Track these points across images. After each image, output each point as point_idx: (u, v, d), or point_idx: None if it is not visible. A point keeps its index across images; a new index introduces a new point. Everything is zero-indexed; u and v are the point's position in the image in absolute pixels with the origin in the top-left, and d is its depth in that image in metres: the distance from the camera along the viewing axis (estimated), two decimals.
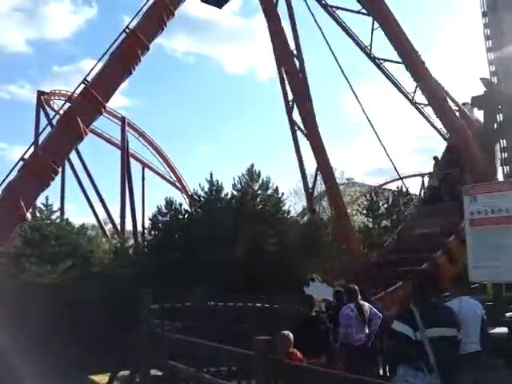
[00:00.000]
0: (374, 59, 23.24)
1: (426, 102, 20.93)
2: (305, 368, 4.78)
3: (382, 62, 23.23)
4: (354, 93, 21.44)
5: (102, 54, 9.53)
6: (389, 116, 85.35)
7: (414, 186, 43.69)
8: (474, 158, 17.41)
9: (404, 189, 32.14)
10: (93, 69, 9.75)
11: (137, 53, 8.79)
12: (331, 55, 21.99)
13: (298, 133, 21.84)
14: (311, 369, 4.61)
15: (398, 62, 21.75)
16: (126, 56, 8.83)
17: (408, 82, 23.76)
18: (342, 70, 21.48)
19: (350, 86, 21.51)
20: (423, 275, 5.10)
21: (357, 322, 7.20)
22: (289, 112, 22.03)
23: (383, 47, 21.34)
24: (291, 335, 6.01)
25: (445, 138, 23.42)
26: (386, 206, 30.99)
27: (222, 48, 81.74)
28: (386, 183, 43.35)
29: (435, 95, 17.55)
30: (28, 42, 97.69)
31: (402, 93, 23.72)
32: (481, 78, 12.35)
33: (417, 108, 23.80)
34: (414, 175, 47.60)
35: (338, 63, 21.13)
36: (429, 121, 24.41)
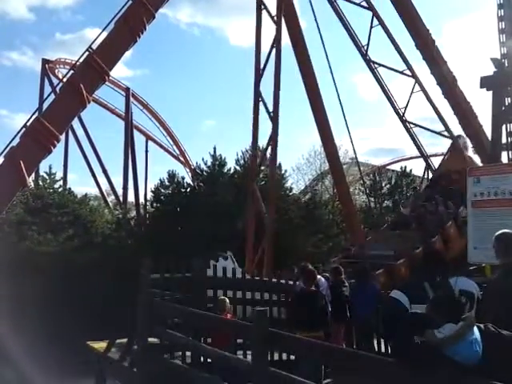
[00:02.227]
0: (368, 62, 21.66)
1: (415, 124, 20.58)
2: (299, 339, 4.83)
3: (376, 66, 21.75)
4: (336, 87, 19.73)
5: (107, 22, 9.35)
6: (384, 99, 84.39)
7: (418, 168, 43.63)
8: (481, 144, 17.29)
9: (407, 170, 32.04)
10: (98, 37, 9.57)
11: (142, 20, 8.64)
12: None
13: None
14: (306, 340, 4.66)
15: (395, 70, 20.90)
16: (131, 23, 8.68)
17: (400, 96, 22.77)
18: (330, 67, 19.89)
19: (334, 81, 19.78)
20: (434, 253, 5.11)
21: None
22: (257, 83, 20.81)
23: (380, 48, 20.06)
24: (227, 300, 6.74)
25: (430, 168, 22.81)
26: (388, 186, 30.96)
27: (228, 20, 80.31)
28: (390, 164, 43.20)
29: (445, 76, 17.34)
30: (30, 8, 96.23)
31: (392, 105, 22.26)
32: (491, 59, 12.17)
33: (405, 127, 22.85)
34: (417, 156, 47.42)
35: (325, 51, 19.54)
36: (416, 143, 23.67)
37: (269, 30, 20.09)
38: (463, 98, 17.78)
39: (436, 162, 27.41)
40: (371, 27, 20.03)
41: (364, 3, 20.21)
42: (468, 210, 8.40)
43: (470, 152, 18.98)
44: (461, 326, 3.22)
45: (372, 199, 31.10)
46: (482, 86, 11.15)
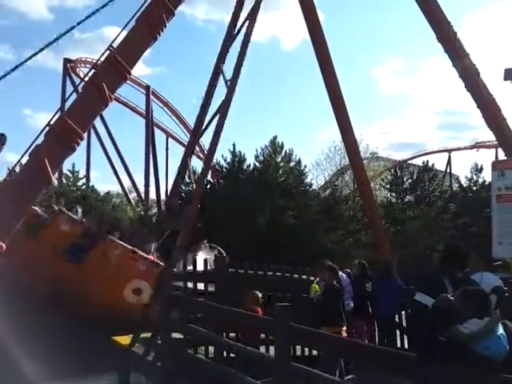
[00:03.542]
0: None
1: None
2: (322, 334, 4.84)
3: None
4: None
5: (125, 20, 9.44)
6: (406, 92, 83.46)
7: (440, 162, 43.05)
8: (505, 137, 16.92)
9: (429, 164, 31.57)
10: (118, 36, 9.68)
11: (162, 18, 8.70)
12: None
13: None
14: (328, 335, 4.66)
15: None
16: (151, 21, 8.75)
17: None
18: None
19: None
20: (455, 249, 5.04)
21: None
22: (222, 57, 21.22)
23: None
24: (259, 294, 6.56)
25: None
26: (410, 181, 30.55)
27: (244, 16, 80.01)
28: (411, 158, 42.69)
29: (467, 69, 17.02)
30: (50, 8, 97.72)
31: None
32: None
33: None
34: (439, 151, 46.80)
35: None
36: None
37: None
38: (486, 91, 17.42)
39: (458, 156, 26.96)
40: None
41: None
42: (492, 204, 8.24)
43: None
44: (489, 320, 3.18)
45: (393, 194, 30.76)
46: (505, 79, 10.87)
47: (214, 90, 23.43)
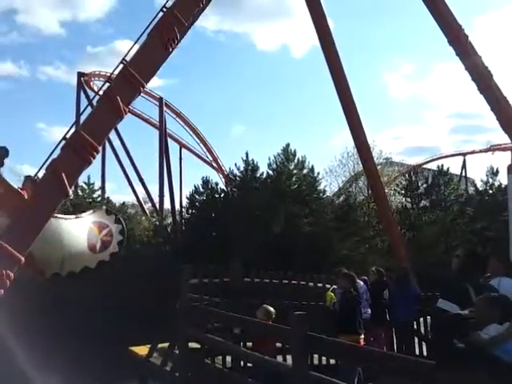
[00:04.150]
0: None
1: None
2: (340, 343, 4.82)
3: None
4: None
5: (138, 33, 9.56)
6: (418, 96, 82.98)
7: (455, 166, 42.62)
8: None
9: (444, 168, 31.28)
10: (131, 49, 9.81)
11: (174, 30, 8.82)
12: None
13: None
14: (345, 344, 4.65)
15: None
16: (163, 34, 8.87)
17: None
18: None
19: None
20: (474, 254, 5.02)
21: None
22: None
23: None
24: (272, 309, 6.26)
25: None
26: (425, 185, 30.28)
27: (254, 26, 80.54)
28: (426, 163, 42.32)
29: (480, 71, 16.90)
30: (61, 23, 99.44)
31: None
32: None
33: None
34: (453, 154, 46.38)
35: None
36: None
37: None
38: (500, 93, 17.27)
39: (473, 159, 26.66)
40: None
41: None
42: (509, 207, 8.17)
43: None
44: (509, 324, 3.17)
45: (408, 199, 30.51)
46: None
47: None
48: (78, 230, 7.20)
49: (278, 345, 6.75)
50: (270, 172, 28.96)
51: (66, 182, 7.18)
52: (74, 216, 7.29)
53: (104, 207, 10.74)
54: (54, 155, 8.22)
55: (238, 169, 29.27)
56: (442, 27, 17.19)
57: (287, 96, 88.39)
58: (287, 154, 29.17)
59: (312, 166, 29.63)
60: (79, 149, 7.55)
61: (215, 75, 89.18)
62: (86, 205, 25.01)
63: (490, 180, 29.56)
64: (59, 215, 7.08)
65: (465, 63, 17.17)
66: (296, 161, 29.27)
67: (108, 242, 7.31)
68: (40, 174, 8.03)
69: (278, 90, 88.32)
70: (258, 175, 28.95)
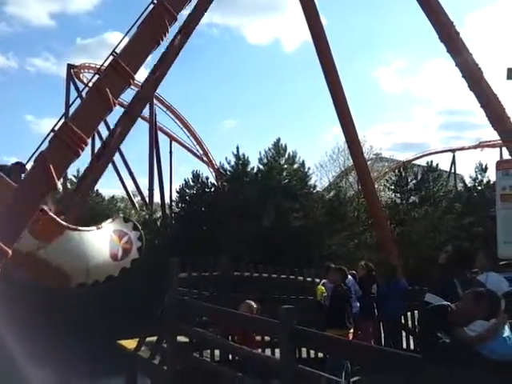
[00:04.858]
0: None
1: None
2: (327, 337, 4.84)
3: None
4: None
5: (129, 25, 9.44)
6: (409, 92, 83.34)
7: (444, 162, 42.92)
8: (510, 137, 16.87)
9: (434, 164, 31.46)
10: (121, 41, 9.71)
11: (165, 23, 8.73)
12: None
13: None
14: (332, 338, 4.67)
15: None
16: (153, 26, 8.78)
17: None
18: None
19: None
20: (462, 250, 5.08)
21: None
22: None
23: None
24: (255, 304, 6.35)
25: None
26: (414, 181, 30.44)
27: (246, 19, 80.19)
28: (415, 158, 42.59)
29: (470, 69, 16.99)
30: (51, 15, 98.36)
31: None
32: None
33: None
34: (443, 151, 46.70)
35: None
36: None
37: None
38: (490, 90, 17.39)
39: (462, 155, 26.86)
40: None
41: None
42: (497, 203, 8.24)
43: None
44: (495, 322, 3.18)
45: (398, 195, 30.66)
46: (508, 78, 10.88)
47: None
48: (100, 241, 7.39)
49: (267, 338, 6.78)
50: (261, 166, 28.93)
51: (53, 174, 7.08)
52: (95, 227, 7.40)
53: (121, 215, 10.90)
54: (43, 148, 8.14)
55: (229, 163, 29.21)
56: (433, 24, 17.25)
57: (278, 90, 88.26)
58: (278, 148, 29.15)
59: (303, 161, 29.66)
60: (67, 141, 7.46)
61: (207, 68, 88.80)
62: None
63: (479, 176, 29.77)
64: (81, 228, 7.25)
65: (455, 60, 17.25)
66: (287, 155, 29.26)
67: (128, 250, 7.48)
68: (28, 167, 7.95)
69: (270, 84, 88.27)
70: (249, 170, 28.90)
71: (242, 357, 5.99)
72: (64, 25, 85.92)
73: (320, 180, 34.18)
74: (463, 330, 3.18)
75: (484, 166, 29.83)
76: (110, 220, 7.86)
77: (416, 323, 8.14)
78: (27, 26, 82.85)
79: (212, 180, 31.48)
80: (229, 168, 29.11)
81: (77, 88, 33.16)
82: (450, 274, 4.31)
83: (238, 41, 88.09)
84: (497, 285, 5.53)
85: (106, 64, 9.17)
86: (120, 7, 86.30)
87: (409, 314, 8.55)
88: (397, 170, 32.33)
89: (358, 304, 7.85)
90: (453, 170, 45.10)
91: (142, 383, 8.90)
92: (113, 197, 32.24)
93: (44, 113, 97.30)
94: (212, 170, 39.39)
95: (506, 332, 3.19)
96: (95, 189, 30.72)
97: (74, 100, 20.07)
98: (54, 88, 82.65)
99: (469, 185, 31.11)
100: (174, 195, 34.68)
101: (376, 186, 25.99)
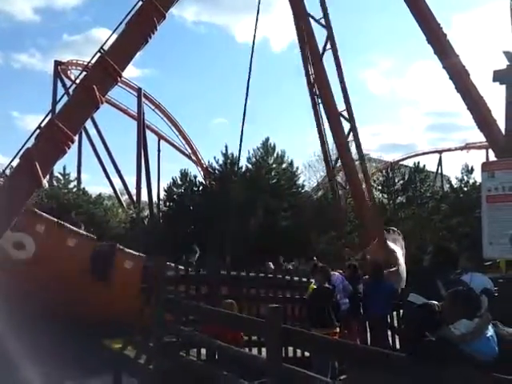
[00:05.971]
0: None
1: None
2: (313, 336, 4.85)
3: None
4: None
5: (116, 22, 9.44)
6: (396, 93, 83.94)
7: (431, 163, 43.29)
8: (496, 139, 17.05)
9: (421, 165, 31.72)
10: (109, 38, 9.67)
11: (153, 21, 8.70)
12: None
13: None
14: (318, 337, 4.68)
15: None
16: (142, 24, 8.74)
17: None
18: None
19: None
20: (445, 250, 5.09)
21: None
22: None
23: None
24: (235, 304, 6.52)
25: None
26: (401, 182, 30.68)
27: (234, 18, 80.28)
28: (403, 159, 42.90)
29: (457, 70, 17.15)
30: (36, 10, 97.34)
31: None
32: (504, 52, 11.95)
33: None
34: (430, 152, 47.13)
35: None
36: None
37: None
38: (476, 92, 17.57)
39: (448, 156, 27.09)
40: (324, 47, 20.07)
41: (322, 21, 20.22)
42: (482, 205, 8.32)
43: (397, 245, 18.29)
44: (478, 322, 3.21)
45: (385, 195, 30.88)
46: (494, 80, 10.98)
47: None
48: None
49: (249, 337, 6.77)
50: (250, 166, 28.94)
51: (39, 171, 7.05)
52: None
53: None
54: (29, 144, 8.08)
55: (217, 162, 29.18)
56: (421, 25, 17.39)
57: (267, 90, 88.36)
58: (266, 148, 29.20)
59: (291, 161, 29.76)
60: (54, 138, 7.43)
61: (195, 67, 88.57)
62: (62, 195, 24.63)
63: (465, 178, 30.11)
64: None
65: (442, 62, 17.41)
66: (275, 155, 29.31)
67: None
68: (14, 164, 7.88)
69: (258, 83, 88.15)
70: (237, 169, 28.92)
71: (229, 356, 5.98)
72: (50, 20, 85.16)
73: (308, 180, 34.27)
74: (449, 329, 3.21)
75: (470, 168, 30.19)
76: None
77: (401, 322, 8.19)
78: (12, 20, 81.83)
79: (200, 179, 31.44)
80: (217, 167, 29.08)
81: (64, 85, 32.83)
82: (434, 275, 4.32)
83: (226, 39, 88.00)
84: (481, 285, 5.59)
85: (93, 61, 9.14)
86: (108, 3, 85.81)
87: (394, 313, 8.61)
88: (384, 171, 32.56)
89: (347, 300, 7.91)
90: (439, 171, 45.51)
91: (127, 383, 8.83)
92: (99, 195, 31.95)
93: (29, 109, 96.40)
94: (200, 169, 39.28)
95: (490, 331, 3.23)
96: (81, 186, 30.52)
97: (62, 97, 19.94)
98: (39, 84, 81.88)
99: (455, 186, 31.43)
100: (162, 194, 34.57)
101: (363, 186, 26.10)
